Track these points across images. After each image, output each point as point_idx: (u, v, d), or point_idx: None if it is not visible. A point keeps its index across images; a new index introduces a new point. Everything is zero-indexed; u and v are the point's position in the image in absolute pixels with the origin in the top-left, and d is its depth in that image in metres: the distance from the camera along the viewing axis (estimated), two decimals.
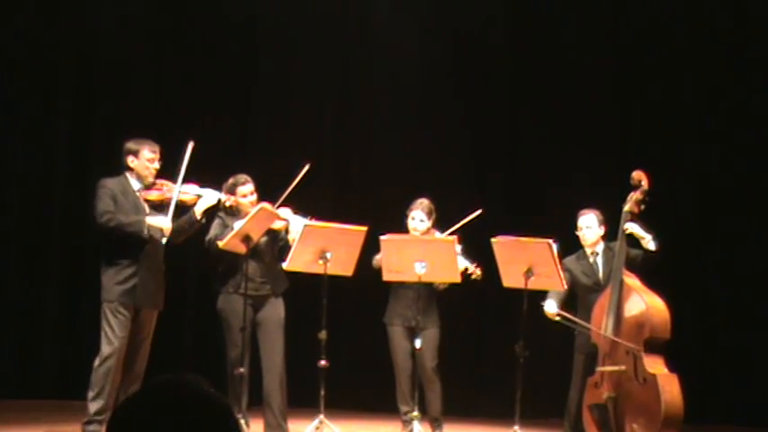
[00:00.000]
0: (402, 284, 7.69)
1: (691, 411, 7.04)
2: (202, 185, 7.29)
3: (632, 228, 7.24)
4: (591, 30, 10.07)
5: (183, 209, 7.23)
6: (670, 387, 6.91)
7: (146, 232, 7.00)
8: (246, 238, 7.22)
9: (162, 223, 7.05)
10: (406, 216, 7.83)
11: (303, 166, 7.48)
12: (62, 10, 9.91)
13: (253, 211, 7.25)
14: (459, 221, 7.79)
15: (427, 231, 7.79)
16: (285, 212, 7.45)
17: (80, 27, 9.94)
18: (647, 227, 7.32)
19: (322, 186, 9.71)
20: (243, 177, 7.55)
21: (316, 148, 9.86)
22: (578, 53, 10.04)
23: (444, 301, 7.88)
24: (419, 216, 7.79)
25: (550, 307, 7.38)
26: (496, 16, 10.22)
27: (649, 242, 7.29)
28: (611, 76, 10.06)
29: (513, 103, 10.23)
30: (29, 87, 9.85)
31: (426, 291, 7.68)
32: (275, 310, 7.50)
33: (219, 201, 7.29)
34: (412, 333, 7.62)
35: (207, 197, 7.22)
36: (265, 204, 7.32)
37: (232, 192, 7.50)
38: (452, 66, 10.25)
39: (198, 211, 7.20)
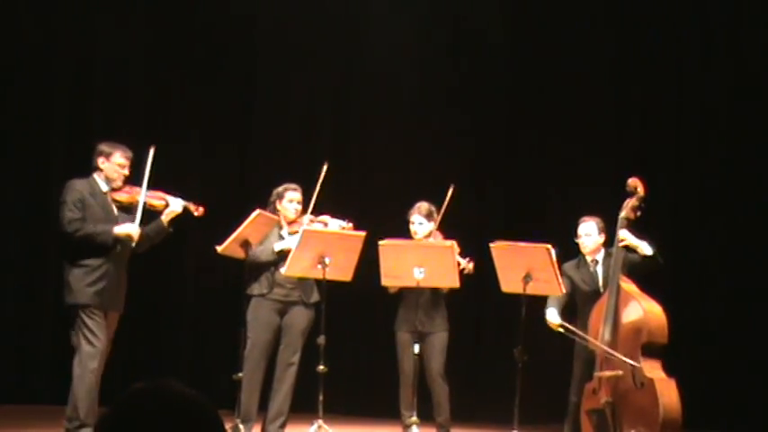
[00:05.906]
0: (406, 289, 7.68)
1: (688, 416, 7.03)
2: (169, 192, 7.07)
3: (625, 236, 7.23)
4: (590, 34, 10.07)
5: (148, 214, 7.02)
6: (668, 391, 6.89)
7: (111, 243, 6.81)
8: (245, 243, 7.22)
9: (130, 230, 6.83)
10: (408, 222, 7.84)
11: (322, 166, 7.58)
12: (60, 14, 9.92)
13: (251, 216, 7.26)
14: (449, 218, 7.77)
15: (429, 234, 7.78)
16: (325, 218, 7.57)
17: (78, 31, 9.95)
18: (641, 234, 7.31)
19: (320, 191, 9.70)
20: (294, 185, 7.61)
21: (314, 152, 9.86)
22: (577, 55, 10.04)
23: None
24: (418, 219, 7.81)
25: (553, 316, 7.39)
26: (495, 17, 10.22)
27: (645, 248, 7.29)
28: (610, 81, 10.06)
29: (511, 108, 10.23)
30: (27, 90, 9.86)
31: (431, 294, 7.68)
32: (300, 318, 7.53)
33: (186, 209, 7.08)
34: (418, 338, 7.64)
35: (173, 205, 7.01)
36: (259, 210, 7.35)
37: (281, 196, 7.53)
38: (450, 69, 10.25)
39: (165, 219, 7.00)
